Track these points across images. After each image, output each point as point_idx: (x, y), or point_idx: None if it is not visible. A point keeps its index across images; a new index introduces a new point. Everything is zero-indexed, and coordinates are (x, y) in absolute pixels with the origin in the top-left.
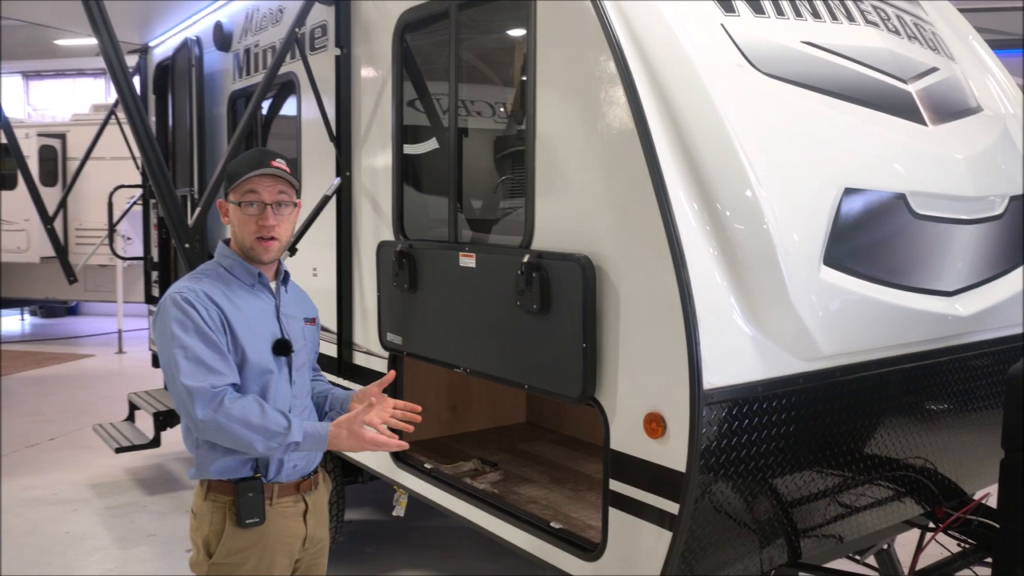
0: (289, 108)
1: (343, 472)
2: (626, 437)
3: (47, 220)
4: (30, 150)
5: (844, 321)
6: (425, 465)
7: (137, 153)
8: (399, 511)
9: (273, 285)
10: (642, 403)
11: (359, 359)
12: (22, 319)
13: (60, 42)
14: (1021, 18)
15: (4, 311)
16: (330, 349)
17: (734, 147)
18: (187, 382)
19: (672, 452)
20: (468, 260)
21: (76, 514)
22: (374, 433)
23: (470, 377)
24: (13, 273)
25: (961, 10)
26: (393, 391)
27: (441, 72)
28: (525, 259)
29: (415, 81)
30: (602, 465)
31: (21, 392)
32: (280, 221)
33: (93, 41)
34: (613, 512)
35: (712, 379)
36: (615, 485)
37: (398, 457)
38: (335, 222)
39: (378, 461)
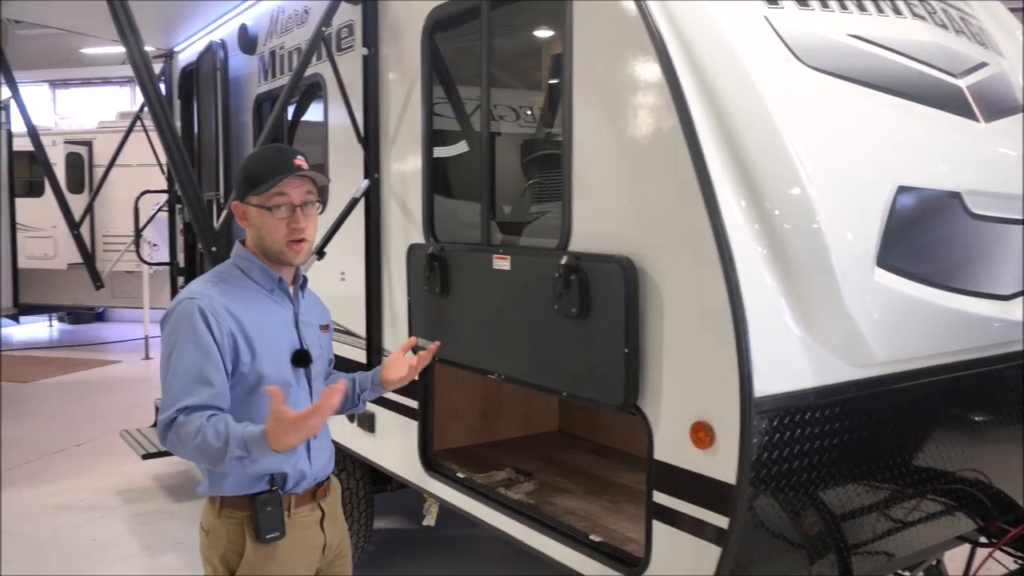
0: (315, 110)
1: (371, 480)
2: (671, 447)
3: (73, 226)
4: (57, 157)
5: (898, 326)
6: (457, 474)
7: (163, 159)
8: (430, 520)
9: (291, 291)
10: (688, 411)
11: None
12: (50, 325)
13: (86, 50)
14: None
15: (32, 317)
16: (359, 355)
17: (783, 143)
18: (163, 413)
19: (721, 463)
20: (502, 263)
21: (102, 521)
22: (308, 407)
23: (502, 384)
24: (41, 280)
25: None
26: (424, 398)
27: (471, 72)
28: (563, 261)
29: (445, 81)
30: (643, 476)
31: (48, 398)
32: (309, 221)
33: (118, 49)
34: (657, 525)
35: (763, 386)
36: (659, 497)
37: (429, 466)
38: (363, 225)
39: (408, 470)
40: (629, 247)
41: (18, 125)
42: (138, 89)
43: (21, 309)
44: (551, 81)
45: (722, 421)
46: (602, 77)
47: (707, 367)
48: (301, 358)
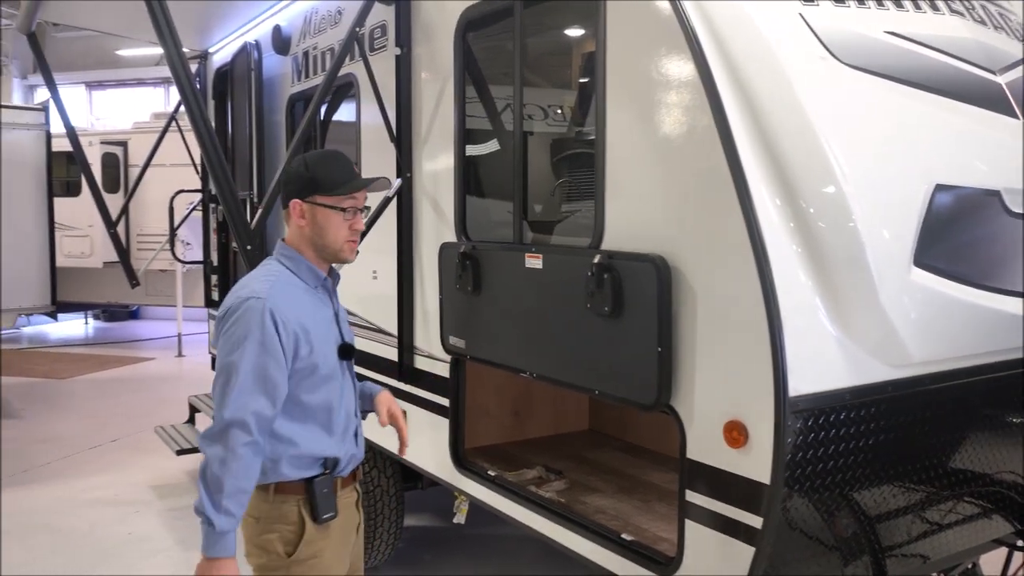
0: (348, 110)
1: (402, 477)
2: (704, 446)
3: (110, 225)
4: (93, 158)
5: (935, 325)
6: (488, 472)
7: (197, 159)
8: (460, 518)
9: (331, 288)
10: (722, 410)
11: (420, 363)
12: (85, 323)
13: (122, 52)
14: None
15: (68, 315)
16: (391, 353)
17: (818, 141)
18: (226, 410)
19: (755, 463)
20: (534, 261)
21: (138, 515)
22: None
23: (532, 382)
24: (77, 278)
25: None
26: (455, 396)
27: (501, 71)
28: (596, 260)
29: (477, 81)
30: (673, 475)
31: (84, 394)
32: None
33: (154, 51)
34: (689, 524)
35: (798, 386)
36: (691, 496)
37: (460, 464)
38: (395, 224)
39: (439, 467)
40: (662, 246)
41: (55, 126)
42: (172, 90)
43: (58, 307)
44: (581, 80)
45: (756, 420)
46: (636, 76)
47: (741, 366)
48: (346, 351)
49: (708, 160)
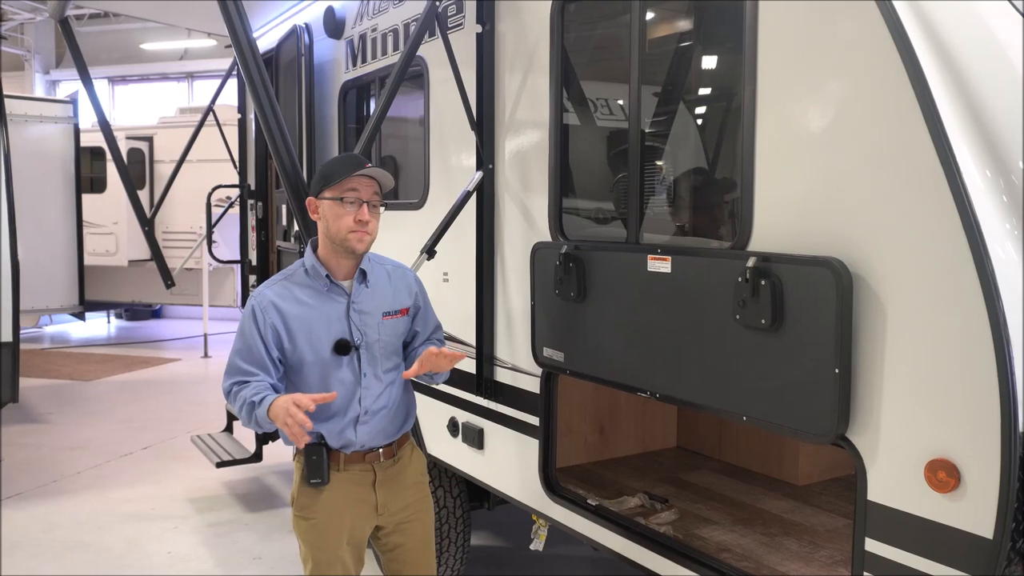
0: (407, 98)
1: (468, 497)
2: (894, 487)
3: (145, 223)
4: None
5: None
6: (588, 500)
7: (236, 154)
8: (537, 544)
9: (348, 284)
10: (922, 446)
11: (503, 376)
12: (108, 322)
13: (146, 46)
14: None
15: (91, 314)
16: (466, 364)
17: None
18: (225, 377)
19: (970, 511)
20: (661, 264)
21: (177, 532)
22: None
23: (618, 396)
24: (101, 276)
25: None
26: (547, 414)
27: (601, 57)
28: (750, 263)
29: (577, 61)
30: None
31: (111, 397)
32: (373, 217)
33: (177, 45)
34: None
35: None
36: (874, 546)
37: (552, 489)
38: (474, 221)
39: (526, 492)
40: (835, 245)
41: (83, 120)
42: (196, 84)
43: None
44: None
45: (972, 460)
46: (802, 43)
47: (950, 391)
48: (341, 348)
49: (907, 140)
